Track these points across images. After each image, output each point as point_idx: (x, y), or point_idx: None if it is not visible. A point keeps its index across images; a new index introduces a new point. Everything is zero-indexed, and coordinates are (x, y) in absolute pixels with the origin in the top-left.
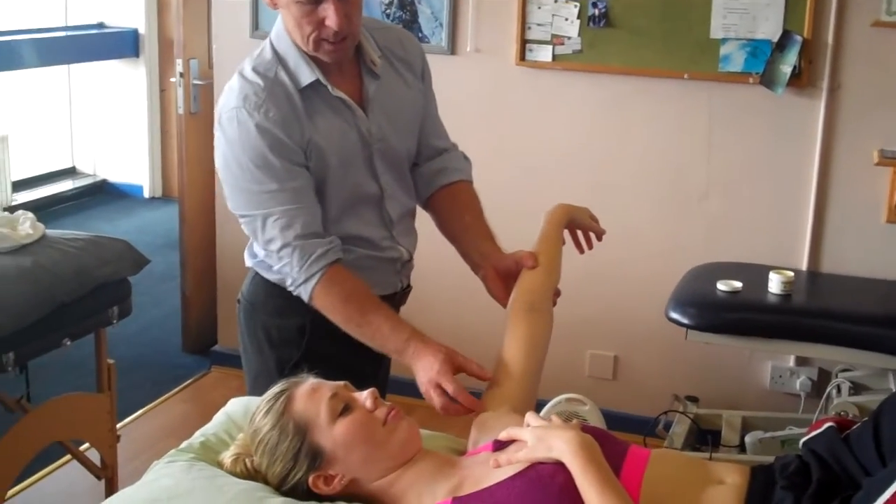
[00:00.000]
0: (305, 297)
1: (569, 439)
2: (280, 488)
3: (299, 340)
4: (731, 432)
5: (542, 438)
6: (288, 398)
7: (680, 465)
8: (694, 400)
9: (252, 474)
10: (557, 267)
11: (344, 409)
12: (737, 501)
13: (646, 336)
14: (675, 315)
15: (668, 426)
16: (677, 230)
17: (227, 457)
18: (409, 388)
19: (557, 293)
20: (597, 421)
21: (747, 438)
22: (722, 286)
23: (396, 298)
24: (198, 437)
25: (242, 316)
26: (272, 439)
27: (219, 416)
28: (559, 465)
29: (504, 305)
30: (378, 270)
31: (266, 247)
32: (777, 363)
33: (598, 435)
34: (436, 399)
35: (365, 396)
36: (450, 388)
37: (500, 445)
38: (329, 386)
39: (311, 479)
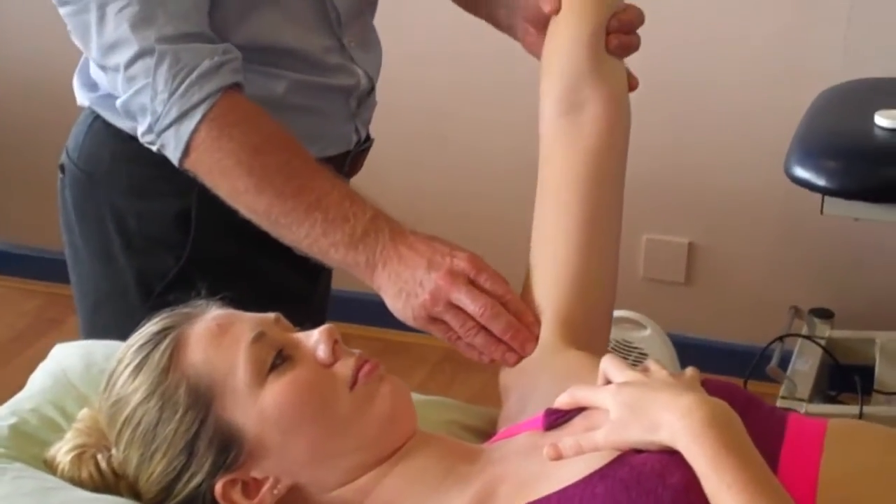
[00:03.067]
0: (175, 152)
1: (687, 409)
2: None
3: (179, 239)
4: (890, 369)
5: (638, 407)
6: (176, 343)
7: (883, 446)
8: (827, 316)
9: (110, 481)
10: None
11: (279, 360)
12: None
13: (745, 209)
14: (802, 172)
15: (785, 362)
16: (802, 23)
17: (62, 451)
18: (362, 310)
19: (627, 25)
20: (664, 354)
21: None
22: (883, 120)
23: (348, 162)
24: (5, 415)
25: (70, 195)
26: (149, 416)
27: (40, 378)
28: (671, 455)
29: None
30: (319, 110)
31: (104, 58)
32: None
33: (736, 399)
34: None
35: (315, 339)
36: (496, 286)
37: (557, 418)
38: (249, 321)
39: (219, 487)
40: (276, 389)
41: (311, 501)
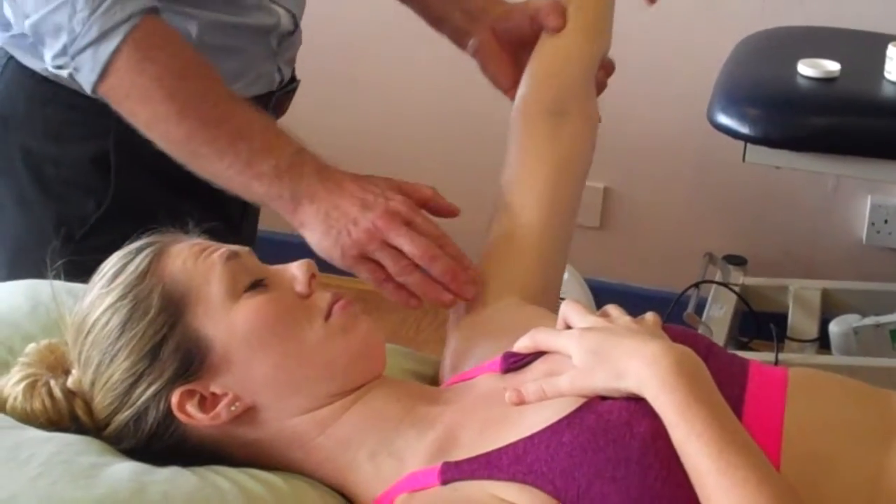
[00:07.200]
0: (91, 75)
1: (654, 357)
2: (114, 420)
3: (99, 183)
4: (804, 317)
5: (603, 353)
6: (156, 253)
7: (846, 397)
8: (740, 262)
9: (63, 407)
10: (605, 21)
11: (254, 284)
12: None
13: (661, 155)
14: (725, 119)
15: (700, 308)
16: None
17: (11, 383)
18: (284, 251)
19: (608, 68)
20: (581, 299)
21: (832, 327)
22: (807, 69)
23: (272, 104)
24: None
25: None
26: (119, 315)
27: None
28: (637, 403)
29: (512, 98)
30: (237, 49)
31: None
32: (881, 200)
33: (698, 346)
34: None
35: (293, 272)
36: (422, 227)
37: (515, 362)
38: (227, 246)
39: (176, 396)
40: (250, 305)
41: (267, 426)
